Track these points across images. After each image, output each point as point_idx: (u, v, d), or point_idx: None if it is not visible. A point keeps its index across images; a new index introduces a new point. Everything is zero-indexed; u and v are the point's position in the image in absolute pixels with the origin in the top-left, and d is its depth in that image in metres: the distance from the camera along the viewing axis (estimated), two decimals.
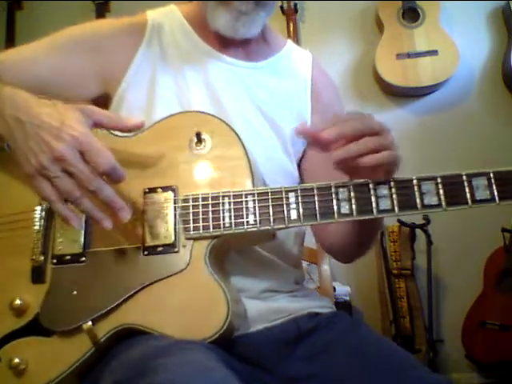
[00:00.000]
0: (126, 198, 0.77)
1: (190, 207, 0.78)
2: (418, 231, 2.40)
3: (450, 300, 2.46)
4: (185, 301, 0.74)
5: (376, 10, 2.61)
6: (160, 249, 0.77)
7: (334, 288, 2.19)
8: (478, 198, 0.74)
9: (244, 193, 0.77)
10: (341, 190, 0.75)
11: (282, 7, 2.64)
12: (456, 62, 2.45)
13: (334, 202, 0.74)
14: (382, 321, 2.46)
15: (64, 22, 2.78)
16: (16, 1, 2.79)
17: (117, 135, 0.83)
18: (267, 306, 0.90)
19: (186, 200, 0.78)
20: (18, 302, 0.77)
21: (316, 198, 0.75)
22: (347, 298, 2.29)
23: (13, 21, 2.76)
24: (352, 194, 0.74)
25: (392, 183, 0.74)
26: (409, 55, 2.50)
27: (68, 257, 0.79)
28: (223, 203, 0.77)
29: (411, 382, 0.74)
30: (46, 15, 2.80)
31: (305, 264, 2.06)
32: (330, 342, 0.85)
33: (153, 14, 0.99)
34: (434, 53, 2.48)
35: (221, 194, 0.77)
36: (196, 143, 0.82)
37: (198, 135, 0.81)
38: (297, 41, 2.63)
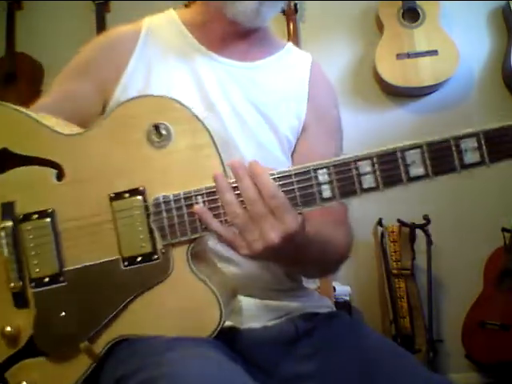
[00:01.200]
0: (91, 206, 0.74)
1: (163, 212, 0.73)
2: (418, 231, 2.40)
3: (449, 300, 2.46)
4: (177, 305, 0.73)
5: (376, 10, 2.61)
6: (139, 259, 0.74)
7: (334, 288, 2.20)
8: (467, 163, 0.67)
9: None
10: (320, 172, 0.69)
11: (281, 7, 2.64)
12: (456, 62, 2.45)
13: (315, 187, 0.69)
14: (382, 321, 2.46)
15: (64, 22, 2.78)
16: (16, 1, 2.78)
17: (61, 133, 0.78)
18: (265, 305, 0.90)
19: (157, 205, 0.73)
20: (8, 329, 0.75)
21: (295, 186, 0.69)
22: (347, 298, 2.29)
23: (13, 21, 2.75)
24: (332, 175, 0.68)
25: (375, 158, 0.68)
26: (409, 55, 2.49)
27: (46, 279, 0.75)
28: (197, 203, 0.72)
29: (412, 383, 0.74)
30: (46, 15, 2.80)
31: None
32: (329, 342, 0.85)
33: (150, 20, 1.02)
34: (434, 53, 2.48)
35: (193, 194, 0.72)
36: (155, 135, 0.74)
37: (156, 127, 0.73)
38: (297, 41, 2.62)
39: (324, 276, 1.05)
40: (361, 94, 2.64)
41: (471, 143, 0.67)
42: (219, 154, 0.73)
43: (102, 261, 0.75)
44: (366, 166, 0.68)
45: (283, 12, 2.64)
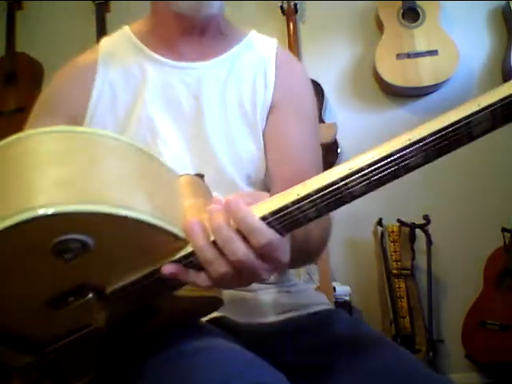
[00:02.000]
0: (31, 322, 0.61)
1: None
2: (418, 231, 2.40)
3: (449, 300, 2.46)
4: None
5: (376, 9, 2.61)
6: None
7: (334, 288, 2.20)
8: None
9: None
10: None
11: (281, 7, 2.64)
12: (456, 62, 2.45)
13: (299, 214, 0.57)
14: (382, 321, 2.46)
15: (64, 22, 2.78)
16: (16, 1, 2.79)
17: None
18: (257, 300, 0.89)
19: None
20: None
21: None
22: (347, 298, 2.29)
23: (13, 21, 2.75)
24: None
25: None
26: (409, 55, 2.50)
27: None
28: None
29: (412, 380, 0.74)
30: (46, 15, 2.80)
31: None
32: (328, 341, 0.85)
33: (105, 41, 1.01)
34: (434, 53, 2.48)
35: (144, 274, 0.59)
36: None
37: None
38: (297, 41, 2.63)
39: (307, 263, 1.02)
40: (361, 94, 2.64)
41: None
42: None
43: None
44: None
45: (283, 12, 2.64)
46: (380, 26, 2.61)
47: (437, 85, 2.49)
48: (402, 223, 2.40)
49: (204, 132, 0.93)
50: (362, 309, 2.48)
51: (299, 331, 0.87)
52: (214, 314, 0.83)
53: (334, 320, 0.90)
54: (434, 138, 0.55)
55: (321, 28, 2.69)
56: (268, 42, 1.03)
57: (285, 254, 0.59)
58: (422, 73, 2.47)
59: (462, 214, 2.48)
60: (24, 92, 2.61)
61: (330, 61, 2.64)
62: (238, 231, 0.56)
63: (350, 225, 2.48)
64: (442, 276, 2.47)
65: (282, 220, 0.56)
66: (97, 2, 2.71)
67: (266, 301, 0.90)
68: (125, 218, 0.51)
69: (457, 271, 2.46)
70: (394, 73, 2.50)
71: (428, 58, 2.48)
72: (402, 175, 0.57)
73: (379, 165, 0.55)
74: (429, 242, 2.38)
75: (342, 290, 2.29)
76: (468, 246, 2.44)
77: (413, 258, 2.41)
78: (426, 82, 2.48)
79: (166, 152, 0.91)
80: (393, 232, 2.43)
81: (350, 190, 0.56)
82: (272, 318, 0.89)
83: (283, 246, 0.59)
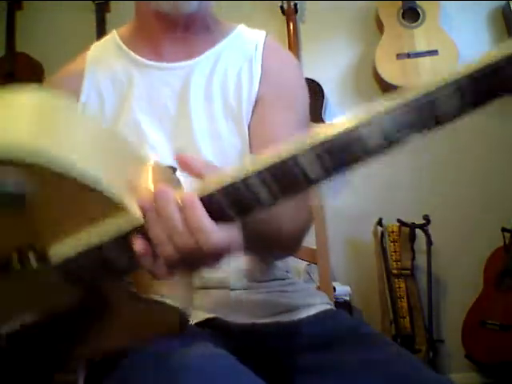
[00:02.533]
0: None
1: None
2: (418, 231, 2.40)
3: (449, 300, 2.46)
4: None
5: (376, 9, 2.61)
6: None
7: (334, 288, 2.20)
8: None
9: None
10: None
11: (282, 7, 2.64)
12: (456, 62, 2.45)
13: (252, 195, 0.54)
14: (381, 321, 2.46)
15: (64, 22, 2.78)
16: (16, 1, 2.79)
17: None
18: (249, 299, 0.88)
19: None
20: None
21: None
22: (347, 298, 2.29)
23: (13, 21, 2.75)
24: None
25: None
26: (409, 55, 2.50)
27: None
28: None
29: (412, 381, 0.74)
30: (46, 15, 2.80)
31: (305, 264, 2.06)
32: (327, 342, 0.84)
33: (94, 47, 1.02)
34: (434, 53, 2.48)
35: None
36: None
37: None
38: (297, 41, 2.63)
39: (286, 255, 0.99)
40: (361, 94, 2.64)
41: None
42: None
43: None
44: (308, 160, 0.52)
45: (283, 12, 2.64)
46: (380, 26, 2.61)
47: None
48: (402, 223, 2.40)
49: (189, 130, 0.92)
50: (362, 309, 2.48)
51: (295, 332, 0.87)
52: (206, 316, 0.83)
53: (334, 320, 0.90)
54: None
55: (321, 28, 2.69)
56: (256, 34, 1.01)
57: (226, 242, 0.56)
58: (422, 73, 2.47)
59: (462, 213, 2.48)
60: None
61: (330, 61, 2.64)
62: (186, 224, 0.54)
63: (350, 225, 2.48)
64: (442, 276, 2.47)
65: (231, 199, 0.54)
66: (97, 2, 2.71)
67: (259, 301, 0.89)
68: (67, 174, 0.51)
69: (457, 271, 2.46)
70: (394, 73, 2.50)
71: (428, 58, 2.48)
72: (361, 158, 0.51)
73: (333, 143, 0.50)
74: (429, 242, 2.38)
75: (342, 289, 2.29)
76: (468, 246, 2.45)
77: (413, 258, 2.41)
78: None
79: (153, 155, 0.91)
80: (393, 232, 2.43)
81: (302, 168, 0.51)
82: (266, 319, 0.88)
83: (223, 234, 0.55)
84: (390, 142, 0.51)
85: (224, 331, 0.83)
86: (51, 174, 0.50)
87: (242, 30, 1.01)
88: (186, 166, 0.57)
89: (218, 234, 0.55)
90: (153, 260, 0.56)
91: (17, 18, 2.77)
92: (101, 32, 2.62)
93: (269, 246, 0.79)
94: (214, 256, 0.57)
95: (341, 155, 0.51)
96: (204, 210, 0.54)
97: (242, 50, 0.98)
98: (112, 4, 2.75)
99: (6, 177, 0.51)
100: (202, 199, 0.54)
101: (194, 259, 0.57)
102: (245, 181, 0.53)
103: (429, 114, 0.54)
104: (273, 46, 1.00)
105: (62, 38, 2.73)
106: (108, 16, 2.72)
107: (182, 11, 0.92)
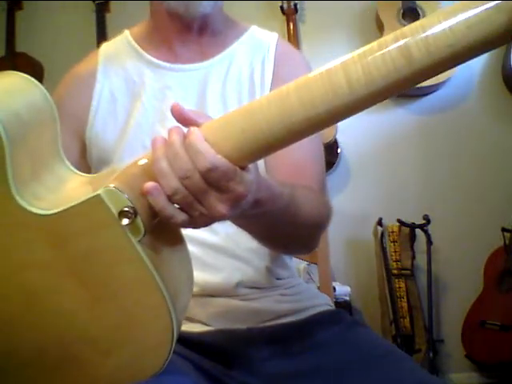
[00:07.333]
0: None
1: None
2: (418, 231, 2.40)
3: (450, 300, 2.46)
4: None
5: (376, 9, 2.61)
6: None
7: (334, 288, 2.20)
8: None
9: None
10: None
11: (282, 7, 2.64)
12: None
13: None
14: (381, 321, 2.46)
15: (64, 22, 2.78)
16: (16, 1, 2.79)
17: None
18: (247, 307, 0.88)
19: None
20: None
21: None
22: (347, 298, 2.29)
23: (13, 21, 2.75)
24: None
25: None
26: None
27: None
28: None
29: None
30: (46, 15, 2.80)
31: (305, 264, 2.06)
32: (327, 342, 0.84)
33: (106, 47, 1.01)
34: None
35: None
36: None
37: None
38: (297, 41, 2.62)
39: (302, 251, 0.98)
40: None
41: None
42: None
43: None
44: None
45: (283, 12, 2.64)
46: (380, 26, 2.61)
47: (437, 85, 2.49)
48: (402, 223, 2.40)
49: None
50: (362, 309, 2.48)
51: (294, 335, 0.86)
52: (205, 328, 0.84)
53: (334, 321, 0.89)
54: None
55: (321, 28, 2.69)
56: (268, 35, 1.01)
57: (241, 185, 0.56)
58: None
59: (461, 213, 2.48)
60: None
61: (330, 61, 2.64)
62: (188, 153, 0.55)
63: (350, 225, 2.48)
64: (442, 276, 2.47)
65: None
66: (97, 2, 2.70)
67: (254, 308, 0.88)
68: None
69: (457, 271, 2.46)
70: None
71: None
72: None
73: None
74: (429, 242, 2.38)
75: (342, 289, 2.29)
76: (468, 246, 2.45)
77: (413, 258, 2.41)
78: (426, 81, 2.48)
79: None
80: (393, 232, 2.43)
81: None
82: (261, 324, 0.87)
83: (238, 177, 0.56)
84: None
85: (220, 341, 0.82)
86: None
87: (254, 31, 1.02)
88: (181, 116, 0.59)
89: (215, 156, 0.55)
90: (165, 199, 0.56)
91: (17, 18, 2.77)
92: (101, 32, 2.62)
93: (282, 229, 0.76)
94: (218, 188, 0.56)
95: None
96: (202, 135, 0.56)
97: (255, 51, 0.98)
98: (112, 4, 2.74)
99: None
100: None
101: (198, 192, 0.56)
102: None
103: None
104: (284, 48, 1.00)
105: (62, 37, 2.73)
106: (108, 16, 2.72)
107: (193, 12, 0.92)
